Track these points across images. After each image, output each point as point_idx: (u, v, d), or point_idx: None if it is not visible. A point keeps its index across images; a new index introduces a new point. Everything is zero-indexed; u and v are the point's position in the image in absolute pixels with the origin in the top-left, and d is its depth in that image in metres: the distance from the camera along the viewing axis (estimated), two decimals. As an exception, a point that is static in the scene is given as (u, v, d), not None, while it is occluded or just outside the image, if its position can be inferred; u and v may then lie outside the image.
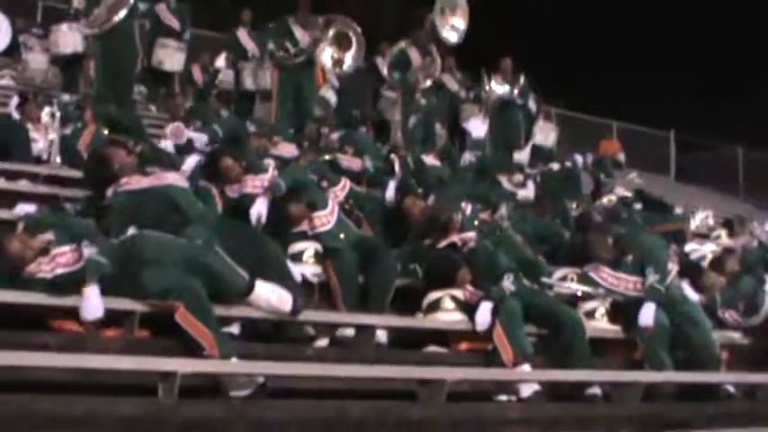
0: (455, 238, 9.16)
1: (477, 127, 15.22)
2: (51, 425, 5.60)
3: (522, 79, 17.50)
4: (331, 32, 14.74)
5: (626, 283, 9.24)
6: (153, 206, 7.64)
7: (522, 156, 15.40)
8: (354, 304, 8.43)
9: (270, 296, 7.18)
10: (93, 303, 6.51)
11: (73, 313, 6.55)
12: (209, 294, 6.76)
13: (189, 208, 7.80)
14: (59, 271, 6.64)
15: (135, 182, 7.86)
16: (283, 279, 7.44)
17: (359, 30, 14.91)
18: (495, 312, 8.29)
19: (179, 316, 6.57)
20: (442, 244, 9.13)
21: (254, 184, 8.94)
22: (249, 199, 8.74)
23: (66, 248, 6.76)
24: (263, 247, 7.76)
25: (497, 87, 17.27)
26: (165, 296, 6.62)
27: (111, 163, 7.95)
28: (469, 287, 8.62)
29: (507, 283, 8.48)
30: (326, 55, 14.68)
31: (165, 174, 8.08)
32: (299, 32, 14.95)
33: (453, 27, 16.63)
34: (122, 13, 12.89)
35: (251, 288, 7.10)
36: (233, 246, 7.34)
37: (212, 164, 9.08)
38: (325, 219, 8.83)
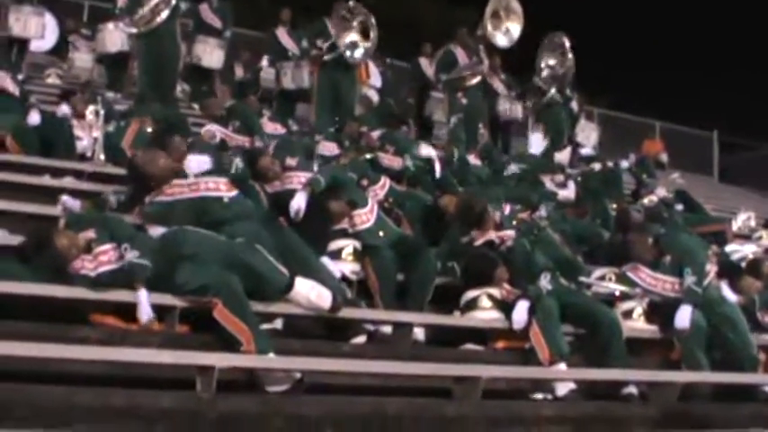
0: (492, 235, 9.20)
1: (538, 143, 15.01)
2: (91, 417, 5.69)
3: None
4: (357, 20, 14.82)
5: (663, 283, 9.23)
6: (186, 215, 7.68)
7: (562, 156, 15.35)
8: (392, 301, 8.48)
9: (310, 293, 7.24)
10: (145, 308, 6.69)
11: (113, 308, 6.67)
12: (249, 291, 6.86)
13: (221, 218, 7.78)
14: (102, 269, 6.77)
15: (169, 193, 7.90)
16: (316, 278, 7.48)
17: (374, 24, 15.01)
18: (531, 311, 8.30)
19: (217, 312, 6.67)
20: (480, 241, 9.17)
21: (299, 180, 9.01)
22: (290, 195, 8.79)
23: (107, 246, 6.88)
24: (297, 246, 7.84)
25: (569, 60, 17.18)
26: (203, 293, 6.72)
27: (148, 174, 7.97)
28: (507, 286, 8.65)
29: (544, 282, 8.50)
30: (348, 38, 14.74)
31: (200, 182, 8.01)
32: (333, 30, 15.03)
33: (507, 31, 16.59)
34: (165, 14, 13.00)
35: (291, 285, 7.17)
36: (271, 243, 7.45)
37: (251, 163, 9.15)
38: (365, 217, 8.91)
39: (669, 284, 9.22)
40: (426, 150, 12.37)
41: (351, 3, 14.98)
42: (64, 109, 11.00)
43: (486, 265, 8.70)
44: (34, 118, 10.41)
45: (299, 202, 8.59)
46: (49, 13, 15.83)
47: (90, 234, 6.95)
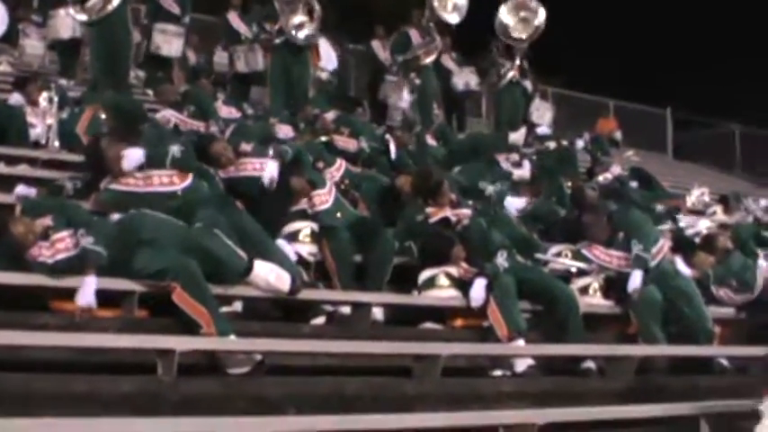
0: (448, 212, 9.25)
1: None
2: (51, 403, 5.67)
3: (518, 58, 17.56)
4: (302, 2, 14.85)
5: (618, 259, 9.34)
6: (139, 205, 7.57)
7: (517, 135, 15.44)
8: (350, 283, 8.51)
9: (269, 276, 7.26)
10: (88, 293, 6.59)
11: (72, 294, 6.63)
12: (208, 275, 6.86)
13: (175, 207, 7.69)
14: (59, 257, 6.73)
15: (124, 183, 7.91)
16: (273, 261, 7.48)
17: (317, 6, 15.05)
18: (489, 289, 8.37)
19: (176, 296, 6.68)
20: (436, 218, 9.21)
21: (254, 166, 9.00)
22: (248, 181, 8.80)
23: (64, 233, 6.83)
24: (254, 229, 7.85)
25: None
26: (162, 277, 6.72)
27: (112, 169, 7.96)
28: (464, 264, 8.69)
29: (501, 260, 8.57)
30: (295, 19, 14.77)
31: (153, 175, 7.98)
32: (280, 12, 15.00)
33: (455, 7, 16.78)
34: (116, 1, 12.89)
35: (250, 269, 7.19)
36: (228, 227, 7.44)
37: (203, 149, 9.07)
38: (324, 197, 8.94)
39: (623, 260, 9.33)
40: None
41: None
42: (17, 97, 10.92)
43: (443, 244, 8.75)
44: (-15, 106, 10.34)
45: (271, 171, 8.63)
46: (-3, 0, 15.65)
47: (47, 221, 6.90)
